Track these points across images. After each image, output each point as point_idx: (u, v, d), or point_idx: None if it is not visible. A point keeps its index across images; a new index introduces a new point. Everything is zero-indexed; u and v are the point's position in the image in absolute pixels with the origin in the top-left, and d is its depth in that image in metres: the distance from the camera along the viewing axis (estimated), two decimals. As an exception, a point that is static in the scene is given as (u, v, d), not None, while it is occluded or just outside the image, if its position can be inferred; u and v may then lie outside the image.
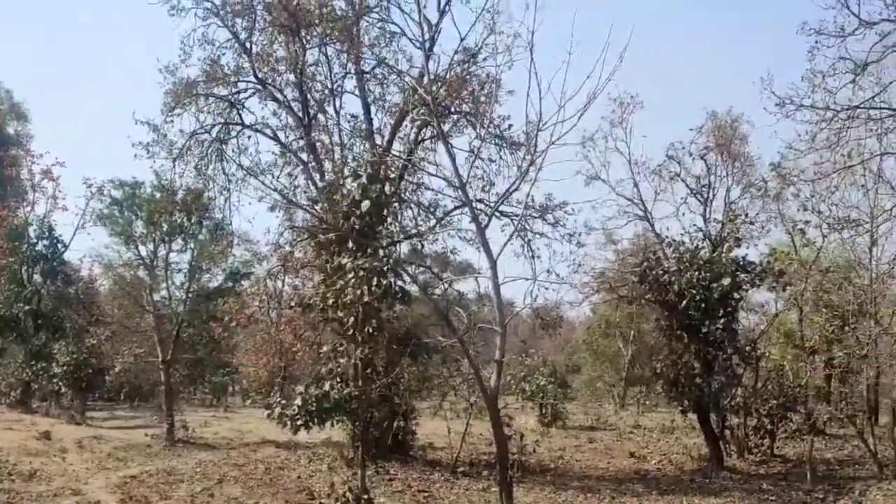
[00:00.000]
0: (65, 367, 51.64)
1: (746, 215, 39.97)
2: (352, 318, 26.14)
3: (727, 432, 38.23)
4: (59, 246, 59.60)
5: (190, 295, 50.83)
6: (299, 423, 27.54)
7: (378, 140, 36.07)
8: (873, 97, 29.17)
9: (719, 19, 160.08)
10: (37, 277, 59.91)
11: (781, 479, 33.23)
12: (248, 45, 36.55)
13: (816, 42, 28.38)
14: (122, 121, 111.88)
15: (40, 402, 58.57)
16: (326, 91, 36.99)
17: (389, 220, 29.02)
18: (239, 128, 38.09)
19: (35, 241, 59.38)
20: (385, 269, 26.06)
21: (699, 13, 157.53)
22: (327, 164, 36.26)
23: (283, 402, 28.12)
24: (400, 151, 35.94)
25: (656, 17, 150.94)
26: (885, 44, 28.05)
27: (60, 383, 53.21)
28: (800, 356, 45.50)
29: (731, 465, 36.44)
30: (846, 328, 42.78)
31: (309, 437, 33.24)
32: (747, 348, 37.75)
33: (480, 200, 34.25)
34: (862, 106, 28.82)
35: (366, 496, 24.62)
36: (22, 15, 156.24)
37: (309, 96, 36.71)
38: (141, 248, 48.94)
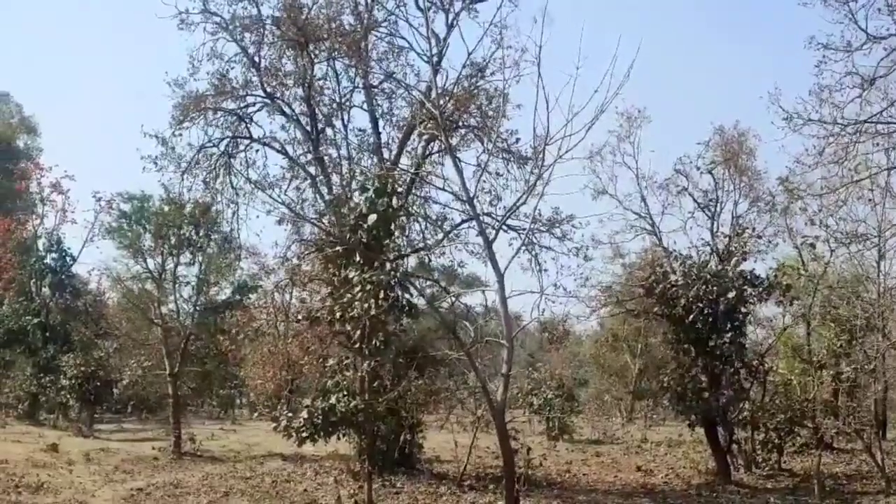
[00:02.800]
0: (72, 380, 51.86)
1: (754, 229, 39.89)
2: (359, 332, 26.25)
3: (735, 446, 38.12)
4: (68, 259, 59.89)
5: (198, 308, 51.01)
6: (305, 435, 27.67)
7: (386, 154, 36.18)
8: (881, 112, 29.18)
9: (727, 34, 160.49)
10: (45, 290, 60.21)
11: (789, 493, 33.12)
12: (256, 59, 36.67)
13: (824, 57, 28.39)
14: (131, 134, 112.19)
15: (48, 414, 58.76)
16: (334, 105, 37.14)
17: (396, 233, 29.12)
18: (247, 141, 38.20)
19: (44, 254, 59.69)
20: (392, 282, 26.16)
21: (707, 28, 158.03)
22: (335, 178, 36.40)
23: (290, 414, 28.21)
24: (408, 165, 36.02)
25: (664, 31, 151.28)
26: (893, 58, 28.06)
27: (68, 396, 53.46)
28: (807, 370, 45.34)
29: (739, 480, 36.34)
30: (854, 342, 42.67)
31: (315, 450, 33.32)
32: (755, 362, 37.67)
33: (488, 214, 34.33)
34: (870, 121, 28.83)
35: (372, 509, 24.63)
36: (33, 28, 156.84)
37: (317, 110, 36.85)
38: (149, 261, 49.10)
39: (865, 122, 28.71)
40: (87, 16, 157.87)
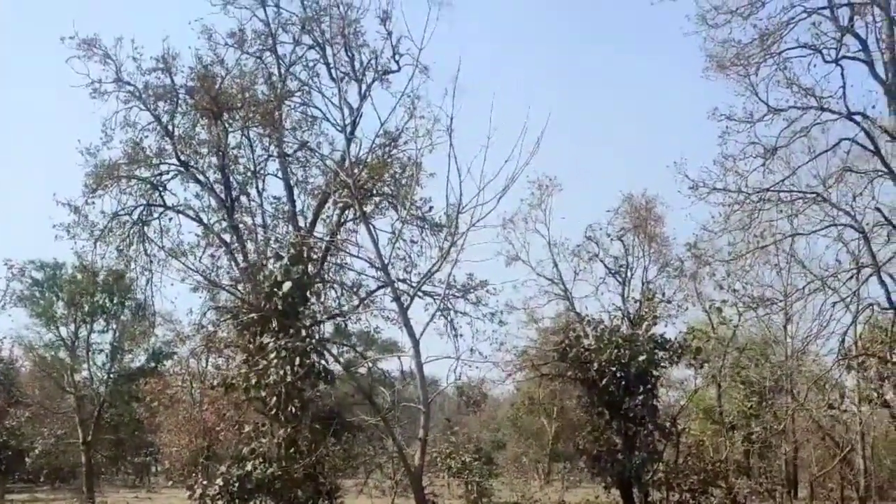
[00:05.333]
0: (-17, 450, 50.96)
1: (664, 294, 40.69)
2: (275, 398, 26.30)
3: (649, 508, 38.54)
4: (-21, 327, 58.98)
5: (112, 375, 50.47)
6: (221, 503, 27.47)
7: (301, 222, 36.32)
8: (783, 180, 30.28)
9: (634, 104, 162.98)
10: (-45, 359, 59.14)
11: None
12: (170, 127, 36.70)
13: (727, 127, 29.44)
14: (42, 201, 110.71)
15: (-42, 485, 57.55)
16: (249, 173, 37.32)
17: (312, 300, 29.26)
18: (161, 209, 38.06)
19: (-47, 322, 58.77)
20: (308, 348, 26.32)
21: (615, 98, 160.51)
22: (250, 245, 36.44)
23: (206, 482, 28.05)
24: (323, 233, 36.22)
25: (573, 101, 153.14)
26: (794, 129, 29.21)
27: (-22, 467, 52.47)
28: (719, 431, 46.15)
29: (655, 541, 36.70)
30: (763, 403, 43.54)
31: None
32: (668, 424, 38.23)
33: (403, 280, 34.50)
34: (773, 189, 29.82)
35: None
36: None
37: (231, 178, 36.98)
38: (62, 328, 48.72)
39: (768, 190, 29.67)
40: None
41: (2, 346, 64.03)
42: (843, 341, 30.68)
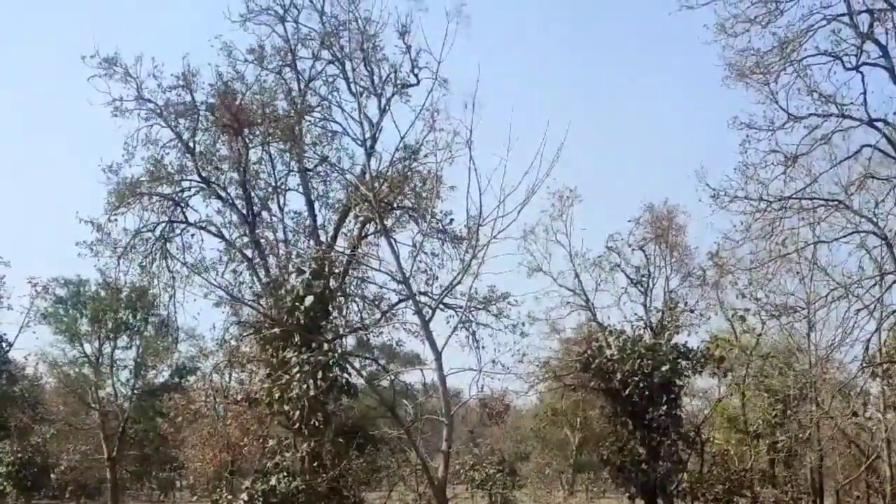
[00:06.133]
0: (9, 467, 51.15)
1: (686, 303, 40.59)
2: (298, 412, 26.34)
3: (675, 518, 38.46)
4: (4, 345, 59.13)
5: (136, 391, 50.63)
6: (246, 518, 27.53)
7: (322, 236, 36.38)
8: (805, 188, 30.08)
9: (655, 112, 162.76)
10: (-20, 377, 59.36)
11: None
12: (191, 144, 36.82)
13: (748, 136, 29.27)
14: (67, 219, 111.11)
15: (-16, 502, 57.79)
16: (270, 188, 37.39)
17: (334, 314, 29.32)
18: (183, 225, 38.14)
19: (-22, 341, 58.93)
20: (331, 362, 26.36)
21: (635, 107, 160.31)
22: (272, 260, 36.49)
23: (230, 497, 28.14)
24: (344, 247, 36.22)
25: (592, 112, 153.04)
26: (814, 137, 29.03)
27: (5, 483, 52.63)
28: (744, 440, 46.00)
29: (679, 551, 36.61)
30: (788, 412, 43.31)
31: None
32: (691, 434, 38.15)
33: (424, 293, 34.50)
34: (794, 197, 29.62)
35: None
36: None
37: (252, 194, 37.04)
38: (86, 345, 48.84)
39: (790, 198, 29.49)
40: (16, 99, 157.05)
41: (27, 363, 64.49)
42: (867, 349, 30.43)
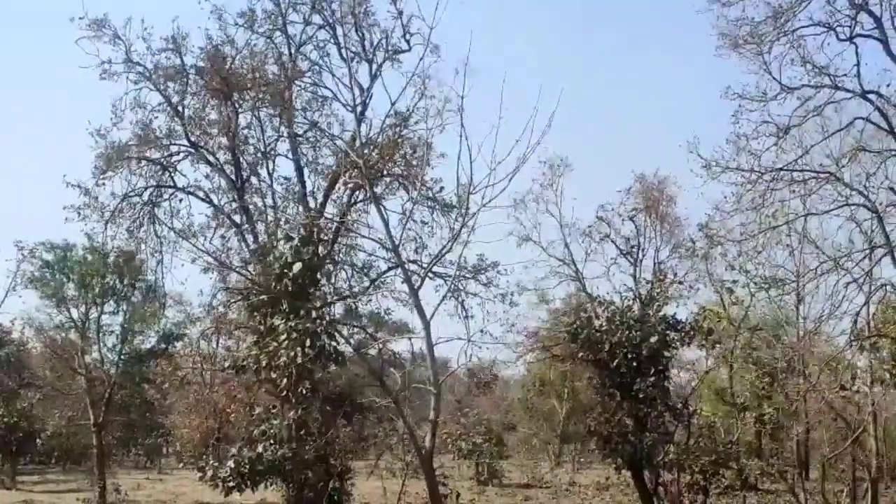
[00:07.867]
0: (-5, 431, 51.07)
1: (675, 275, 40.41)
2: (285, 379, 26.27)
3: (661, 489, 38.41)
4: (-10, 309, 58.97)
5: (122, 357, 50.34)
6: (232, 485, 27.52)
7: (311, 202, 36.13)
8: (796, 160, 29.95)
9: (647, 82, 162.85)
10: (-34, 341, 59.23)
11: (714, 534, 33.49)
12: (180, 108, 36.48)
13: (740, 106, 29.14)
14: (53, 182, 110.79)
15: (-31, 466, 57.72)
16: (259, 154, 37.08)
17: (323, 281, 29.19)
18: (171, 190, 37.90)
19: (-36, 304, 58.70)
20: (318, 330, 26.26)
21: (626, 77, 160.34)
22: (260, 227, 36.28)
23: (216, 464, 28.07)
24: (333, 214, 36.04)
25: (584, 82, 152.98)
26: (807, 108, 28.92)
27: (-10, 448, 52.59)
28: (731, 412, 46.05)
29: (665, 522, 36.66)
30: (775, 385, 43.38)
31: (243, 500, 33.07)
32: (679, 405, 38.07)
33: (413, 262, 34.38)
34: (785, 168, 29.55)
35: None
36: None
37: (242, 159, 36.74)
38: (73, 310, 48.49)
39: (781, 169, 29.42)
40: (4, 63, 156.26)
41: (13, 328, 64.28)
42: (855, 322, 30.44)
